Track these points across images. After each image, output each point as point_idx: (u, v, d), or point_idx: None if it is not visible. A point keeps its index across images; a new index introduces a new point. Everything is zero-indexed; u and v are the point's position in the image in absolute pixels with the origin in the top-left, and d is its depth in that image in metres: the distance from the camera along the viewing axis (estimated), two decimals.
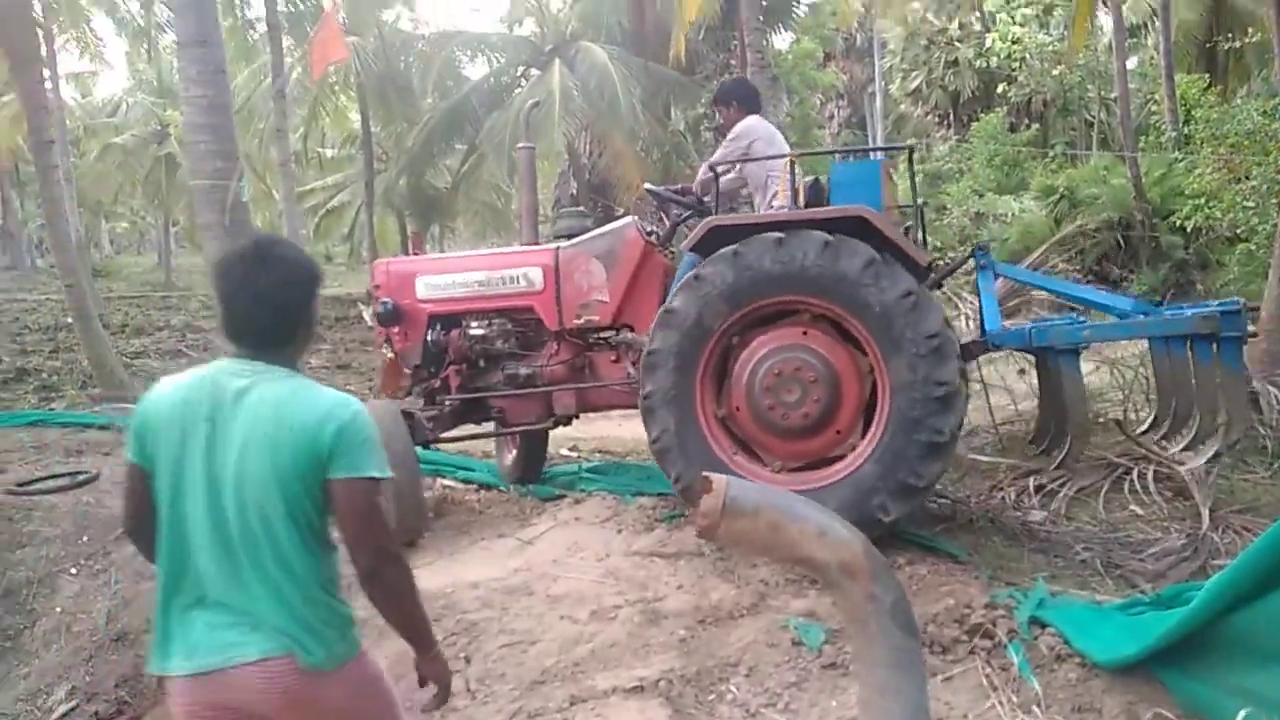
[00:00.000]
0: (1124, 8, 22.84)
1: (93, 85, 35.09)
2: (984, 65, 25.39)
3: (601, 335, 5.94)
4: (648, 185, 6.37)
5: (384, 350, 6.23)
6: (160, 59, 27.90)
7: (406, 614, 2.22)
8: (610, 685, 3.71)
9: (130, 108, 29.53)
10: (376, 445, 2.15)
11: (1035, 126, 24.45)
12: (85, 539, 5.81)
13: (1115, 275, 18.31)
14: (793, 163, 5.23)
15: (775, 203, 5.46)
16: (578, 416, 6.17)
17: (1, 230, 33.59)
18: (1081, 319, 5.53)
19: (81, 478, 6.59)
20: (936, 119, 28.66)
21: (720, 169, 5.48)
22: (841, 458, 4.76)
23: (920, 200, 6.88)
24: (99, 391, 11.05)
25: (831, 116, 35.23)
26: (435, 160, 21.11)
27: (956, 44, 26.46)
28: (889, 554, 4.63)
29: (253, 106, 21.42)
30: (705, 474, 1.92)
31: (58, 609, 5.32)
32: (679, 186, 6.16)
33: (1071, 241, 18.67)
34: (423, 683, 2.31)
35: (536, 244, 6.26)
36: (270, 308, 2.16)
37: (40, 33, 20.27)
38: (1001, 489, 6.21)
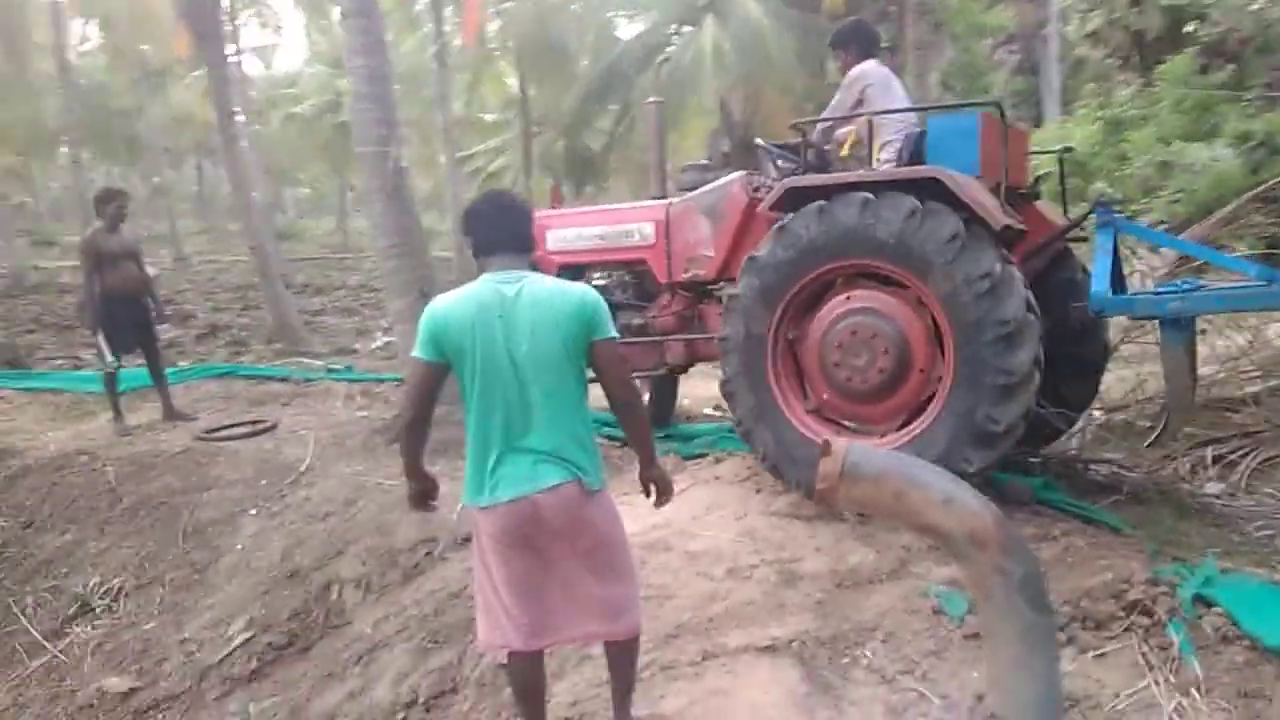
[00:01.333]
0: None
1: (273, 58, 37.12)
2: (1172, 2, 23.34)
3: (710, 288, 6.02)
4: (759, 140, 6.28)
5: None
6: (334, 32, 29.26)
7: (644, 431, 3.17)
8: (743, 643, 3.73)
9: (308, 79, 31.20)
10: (609, 315, 3.02)
11: (1230, 68, 22.33)
12: (264, 483, 6.27)
13: None
14: (870, 122, 5.03)
15: (883, 155, 5.24)
16: (690, 366, 6.33)
17: (197, 196, 36.29)
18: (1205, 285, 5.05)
19: (261, 427, 7.12)
20: (1119, 62, 26.63)
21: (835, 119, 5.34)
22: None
23: (1062, 146, 6.51)
24: (281, 346, 11.85)
25: (1002, 62, 33.28)
26: (590, 122, 21.29)
27: None
28: (1044, 524, 4.46)
29: (417, 74, 22.20)
30: (825, 438, 1.88)
31: (239, 546, 5.79)
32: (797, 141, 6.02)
33: (1271, 195, 17.10)
34: (646, 489, 3.24)
35: (661, 199, 6.32)
36: (514, 228, 3.04)
37: (223, 8, 21.71)
38: (1175, 459, 5.83)
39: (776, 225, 4.84)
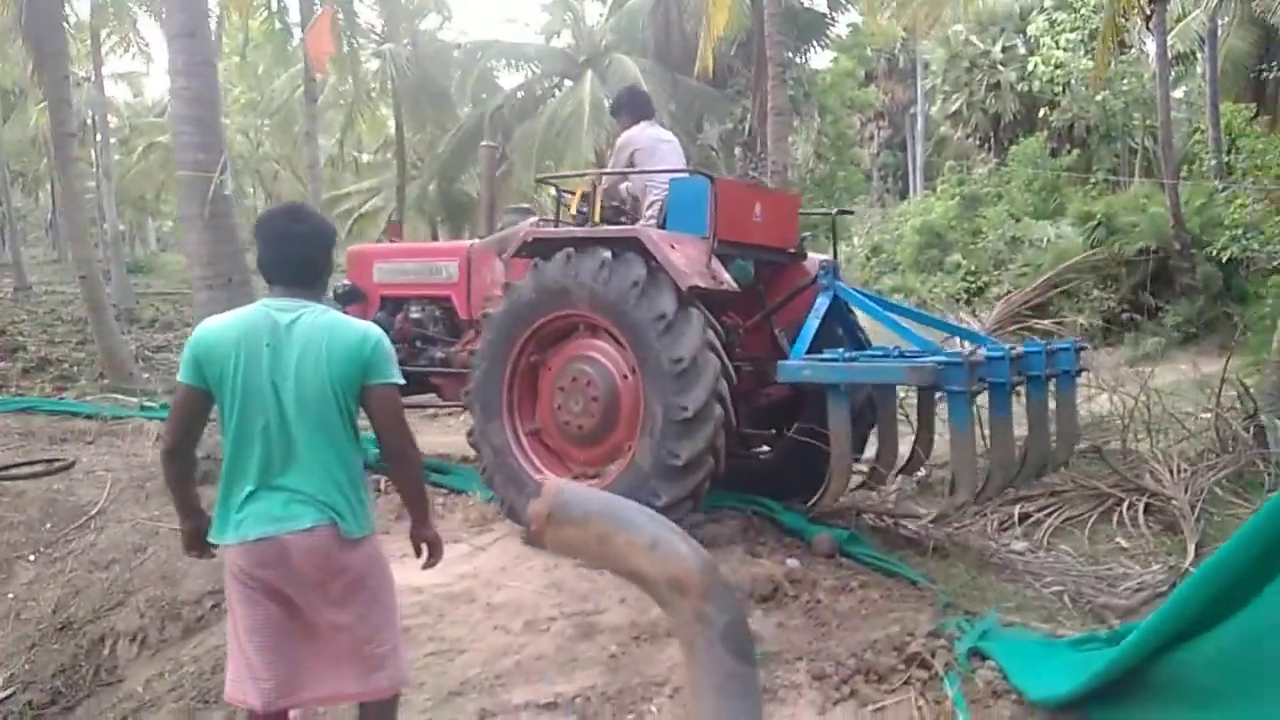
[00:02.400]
0: (1172, 35, 22.34)
1: (143, 86, 35.75)
2: (1026, 89, 24.96)
3: None
4: (539, 175, 6.76)
5: None
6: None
7: (417, 487, 2.95)
8: (525, 700, 3.56)
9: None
10: (395, 359, 2.81)
11: (1077, 152, 23.95)
12: (48, 526, 5.78)
13: (1150, 305, 17.82)
14: (594, 182, 5.58)
15: (648, 213, 5.58)
16: None
17: (49, 223, 34.35)
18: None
19: (57, 465, 6.58)
20: (977, 141, 28.23)
21: (605, 180, 5.77)
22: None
23: (836, 210, 6.91)
24: (109, 383, 11.13)
25: (872, 137, 34.92)
26: (466, 166, 21.19)
27: (999, 67, 26.06)
28: (845, 576, 4.46)
29: (290, 110, 21.67)
30: (540, 477, 1.78)
31: (10, 595, 5.28)
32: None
33: (1105, 269, 18.26)
34: (417, 548, 3.00)
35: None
36: (302, 252, 2.79)
37: (88, 32, 20.79)
38: (984, 515, 5.98)
39: (505, 284, 5.27)
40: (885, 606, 4.14)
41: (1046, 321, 7.82)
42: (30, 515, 5.87)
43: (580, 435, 5.01)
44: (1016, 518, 5.82)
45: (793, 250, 5.73)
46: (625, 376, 4.86)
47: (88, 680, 4.67)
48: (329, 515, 2.69)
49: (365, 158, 28.24)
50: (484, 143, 7.72)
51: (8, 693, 4.70)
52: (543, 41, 23.10)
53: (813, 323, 5.01)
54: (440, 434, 7.75)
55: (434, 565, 3.07)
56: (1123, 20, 14.73)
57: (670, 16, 17.01)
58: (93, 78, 21.90)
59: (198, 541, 2.86)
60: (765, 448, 6.12)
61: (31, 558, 5.53)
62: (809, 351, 4.86)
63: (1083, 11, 23.16)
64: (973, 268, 22.12)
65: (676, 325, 4.57)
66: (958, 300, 20.17)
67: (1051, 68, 23.23)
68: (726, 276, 4.91)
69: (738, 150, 20.15)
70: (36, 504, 5.98)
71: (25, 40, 10.87)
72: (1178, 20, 21.93)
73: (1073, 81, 23.38)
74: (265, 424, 2.65)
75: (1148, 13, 15.62)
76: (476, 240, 6.51)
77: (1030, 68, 24.12)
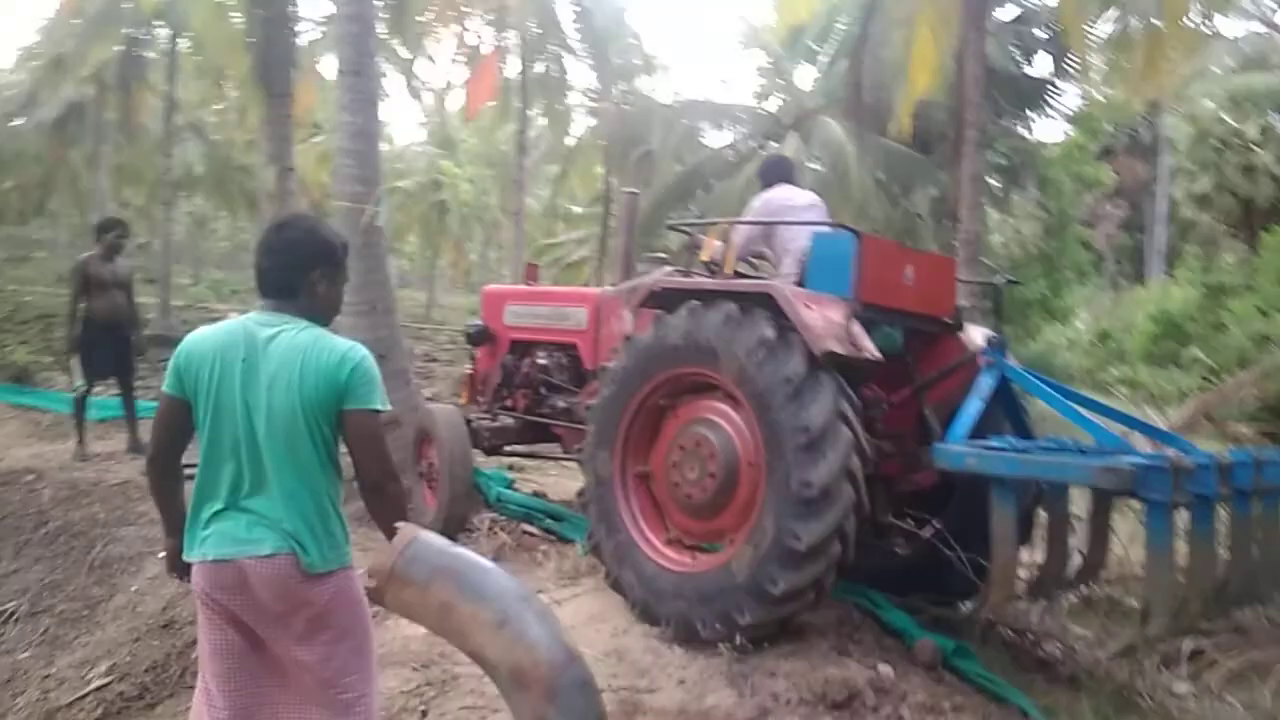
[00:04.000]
0: None
1: (382, 135, 38.84)
2: None
3: None
4: (670, 222, 6.62)
5: (467, 367, 7.06)
6: (445, 115, 30.64)
7: (394, 521, 2.54)
8: None
9: (415, 156, 32.55)
10: (379, 384, 2.62)
11: None
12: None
13: None
14: (728, 231, 5.31)
15: (784, 269, 5.36)
16: None
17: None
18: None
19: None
20: (1226, 227, 25.67)
21: (740, 237, 5.46)
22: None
23: (1005, 280, 6.23)
24: None
25: (1106, 216, 32.58)
26: (663, 222, 21.46)
27: (1254, 147, 23.65)
28: (941, 693, 3.90)
29: (510, 161, 22.81)
30: (399, 523, 1.56)
31: (134, 588, 5.59)
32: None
33: None
34: None
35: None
36: (280, 262, 2.65)
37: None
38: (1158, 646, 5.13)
39: (625, 337, 5.06)
40: None
41: (1245, 428, 6.75)
42: None
43: (689, 504, 4.60)
44: (1184, 653, 4.93)
45: (948, 321, 5.11)
46: (747, 447, 4.39)
47: (174, 680, 4.82)
48: (290, 545, 2.53)
49: (577, 210, 29.35)
50: (626, 189, 7.55)
51: (106, 681, 4.92)
52: (753, 103, 23.19)
53: (975, 404, 4.47)
54: (563, 477, 7.63)
55: None
56: None
57: (863, 79, 16.57)
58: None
59: (176, 560, 2.76)
60: (900, 540, 5.30)
61: (161, 554, 5.83)
62: (971, 437, 4.35)
63: None
64: (1213, 365, 19.97)
65: (805, 391, 4.10)
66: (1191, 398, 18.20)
67: None
68: (869, 344, 4.41)
69: (946, 221, 19.24)
70: None
71: (256, 80, 11.93)
72: None
73: None
74: (236, 443, 2.55)
75: None
76: (609, 287, 6.30)
77: None
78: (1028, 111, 18.59)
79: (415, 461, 6.36)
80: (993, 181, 21.45)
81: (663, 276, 5.36)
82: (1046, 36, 18.04)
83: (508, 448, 6.67)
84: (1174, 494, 3.72)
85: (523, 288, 7.08)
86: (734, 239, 5.38)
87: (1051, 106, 18.13)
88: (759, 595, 4.06)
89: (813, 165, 19.86)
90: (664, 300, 4.83)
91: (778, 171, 5.86)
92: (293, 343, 2.57)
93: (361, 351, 2.64)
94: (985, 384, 4.56)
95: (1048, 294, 20.19)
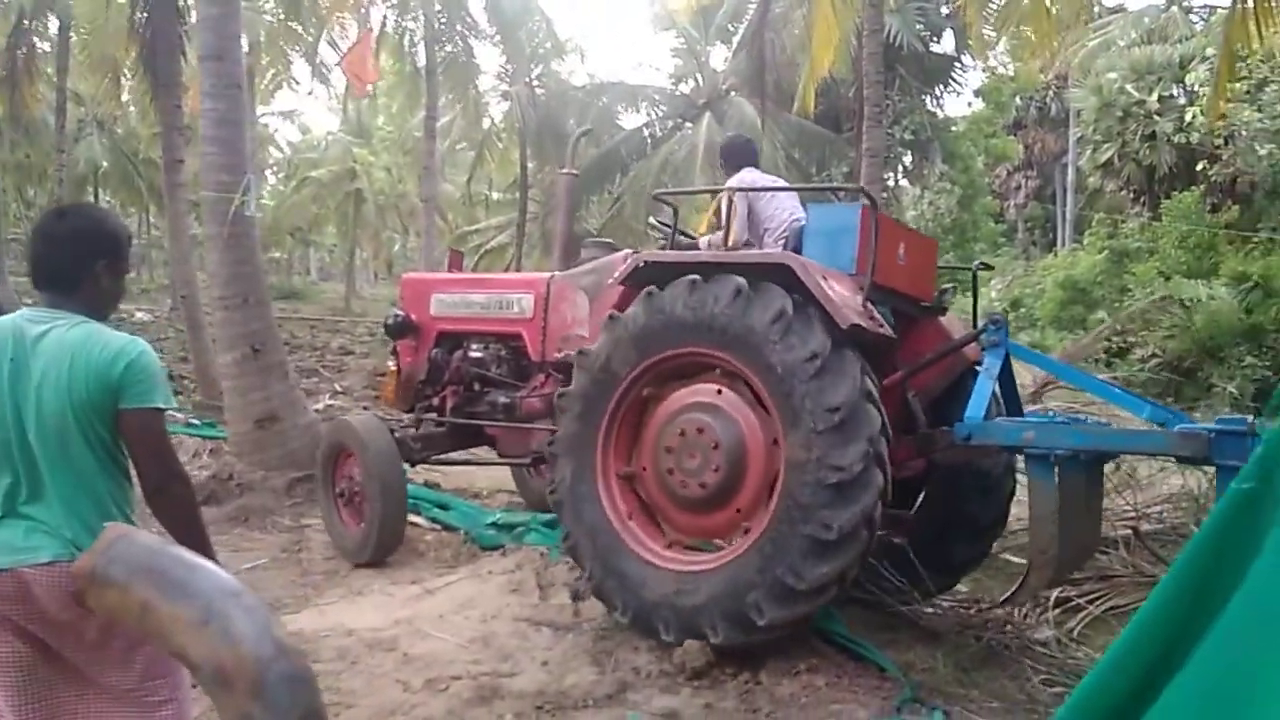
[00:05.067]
0: None
1: (296, 122, 37.91)
2: (1184, 141, 23.20)
3: None
4: (651, 219, 6.04)
5: (389, 363, 6.33)
6: (359, 102, 29.99)
7: (187, 526, 2.45)
8: None
9: (329, 145, 31.90)
10: (161, 380, 2.43)
11: (1238, 209, 22.03)
12: None
13: None
14: (731, 200, 4.81)
15: (768, 242, 5.04)
16: None
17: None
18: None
19: None
20: (1130, 194, 26.44)
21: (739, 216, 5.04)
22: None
23: (978, 263, 6.13)
24: (199, 399, 11.59)
25: (1019, 187, 33.30)
26: (584, 205, 21.37)
27: (1155, 117, 24.33)
28: (800, 655, 3.93)
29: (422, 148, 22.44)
30: (108, 524, 1.51)
31: None
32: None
33: (1258, 336, 16.63)
34: None
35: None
36: (59, 254, 2.48)
37: (245, 66, 22.26)
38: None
39: (608, 315, 4.40)
40: (830, 695, 3.63)
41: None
42: None
43: (688, 499, 4.16)
44: (1051, 601, 5.07)
45: (927, 304, 4.91)
46: (761, 430, 4.02)
47: None
48: (71, 552, 2.34)
49: (496, 195, 29.06)
50: (563, 170, 6.98)
51: None
52: (669, 85, 23.19)
53: (986, 384, 4.21)
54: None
55: None
56: None
57: (772, 57, 16.65)
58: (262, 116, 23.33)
59: None
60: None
61: None
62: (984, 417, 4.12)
63: (1250, 60, 21.37)
64: (1118, 327, 20.62)
65: (830, 369, 3.77)
66: (1098, 361, 18.74)
67: (1212, 119, 21.48)
68: (883, 321, 4.17)
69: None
70: None
71: (144, 73, 11.55)
72: None
73: (1236, 134, 21.57)
74: (8, 447, 2.38)
75: None
76: (557, 272, 5.73)
77: (1189, 119, 22.41)
78: (936, 87, 18.88)
79: (328, 481, 5.81)
80: (906, 156, 21.83)
81: (651, 252, 4.83)
82: (949, 13, 18.32)
83: (436, 456, 6.16)
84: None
85: (453, 275, 6.53)
86: (733, 215, 4.93)
87: (957, 82, 18.48)
88: (780, 593, 3.71)
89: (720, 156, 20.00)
90: (652, 277, 4.31)
91: (745, 155, 5.48)
92: (62, 340, 2.39)
93: (139, 346, 2.45)
94: (992, 364, 4.30)
95: (958, 264, 20.57)
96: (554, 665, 3.92)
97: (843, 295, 3.97)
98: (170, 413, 7.98)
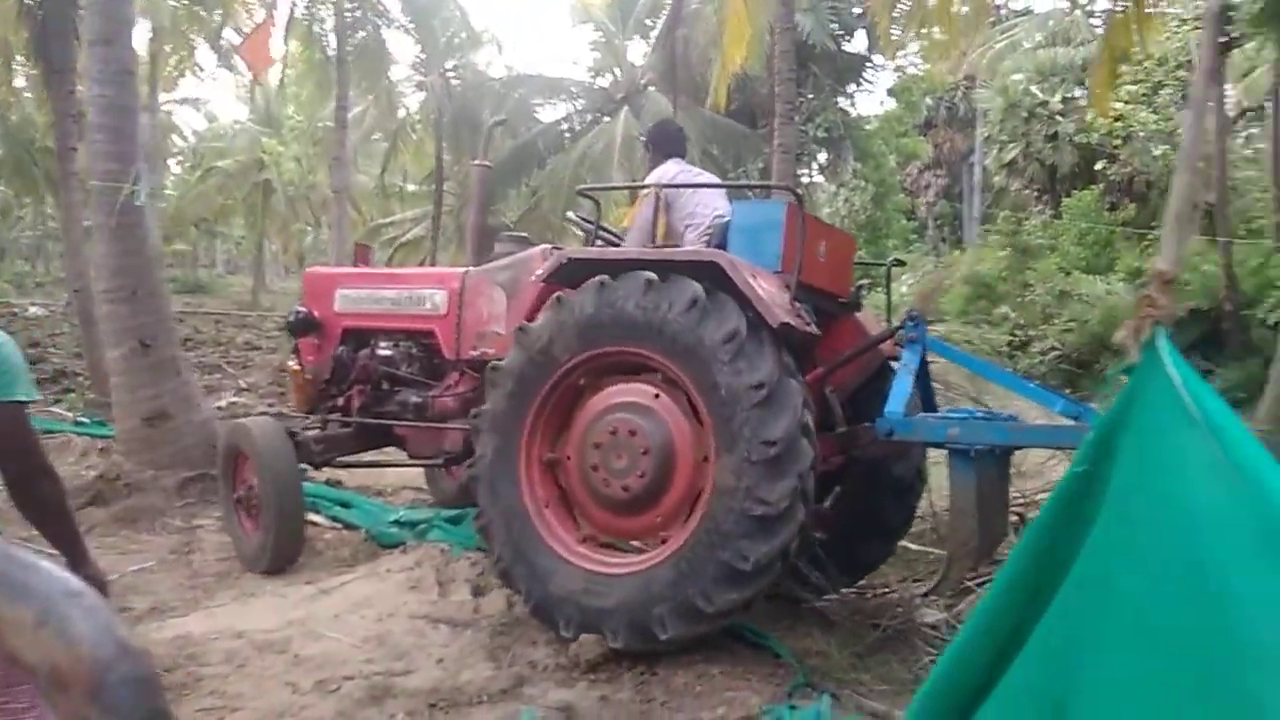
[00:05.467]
0: (1239, 88, 21.37)
1: (202, 110, 36.80)
2: (1085, 141, 24.11)
3: None
4: (569, 214, 5.95)
5: (290, 362, 6.11)
6: (268, 90, 29.18)
7: (56, 523, 2.39)
8: None
9: (236, 134, 30.98)
10: (22, 371, 2.32)
11: (1134, 207, 22.99)
12: None
13: (1201, 367, 16.83)
14: (658, 195, 4.63)
15: (689, 238, 4.86)
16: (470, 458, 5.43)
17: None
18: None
19: None
20: (1034, 193, 27.36)
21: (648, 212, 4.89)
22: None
23: (891, 259, 6.21)
24: (92, 396, 11.16)
25: (929, 185, 34.17)
26: (503, 196, 21.18)
27: (1058, 118, 25.23)
28: (694, 647, 3.95)
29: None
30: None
31: None
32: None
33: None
34: None
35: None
36: None
37: (147, 51, 21.44)
38: (919, 580, 5.42)
39: (555, 296, 4.26)
40: (724, 684, 3.65)
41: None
42: None
43: (612, 499, 4.08)
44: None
45: (844, 300, 4.92)
46: (694, 440, 3.96)
47: None
48: None
49: (411, 187, 28.60)
50: (476, 161, 6.81)
51: None
52: (588, 79, 23.12)
53: (905, 379, 4.25)
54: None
55: None
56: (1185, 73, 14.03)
57: (687, 53, 16.77)
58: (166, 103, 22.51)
59: None
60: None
61: None
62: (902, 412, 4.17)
63: (1145, 64, 22.30)
64: (1020, 321, 21.32)
65: (775, 399, 3.74)
66: (1001, 353, 19.35)
67: (1110, 120, 22.35)
68: (810, 319, 4.22)
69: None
70: None
71: (35, 57, 11.05)
72: (1245, 75, 20.98)
73: (1132, 135, 22.50)
74: None
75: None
76: (472, 267, 5.55)
77: (1090, 119, 23.28)
78: (848, 86, 19.22)
79: (228, 486, 5.64)
80: (821, 154, 22.18)
81: (576, 248, 4.87)
82: (860, 12, 18.66)
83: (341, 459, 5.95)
84: None
85: (359, 270, 6.32)
86: (644, 211, 4.83)
87: (869, 81, 18.85)
88: (687, 612, 3.72)
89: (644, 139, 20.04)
90: (575, 273, 4.27)
91: (673, 143, 5.27)
92: None
93: (1, 336, 2.36)
94: (910, 359, 4.34)
95: (874, 261, 21.01)
96: (450, 662, 3.87)
97: (770, 293, 3.97)
98: (59, 411, 7.68)
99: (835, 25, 19.09)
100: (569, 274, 4.30)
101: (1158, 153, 22.20)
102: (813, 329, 4.21)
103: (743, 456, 3.71)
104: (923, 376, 4.53)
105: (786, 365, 3.87)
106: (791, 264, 4.23)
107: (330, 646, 4.02)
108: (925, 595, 5.19)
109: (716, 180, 5.33)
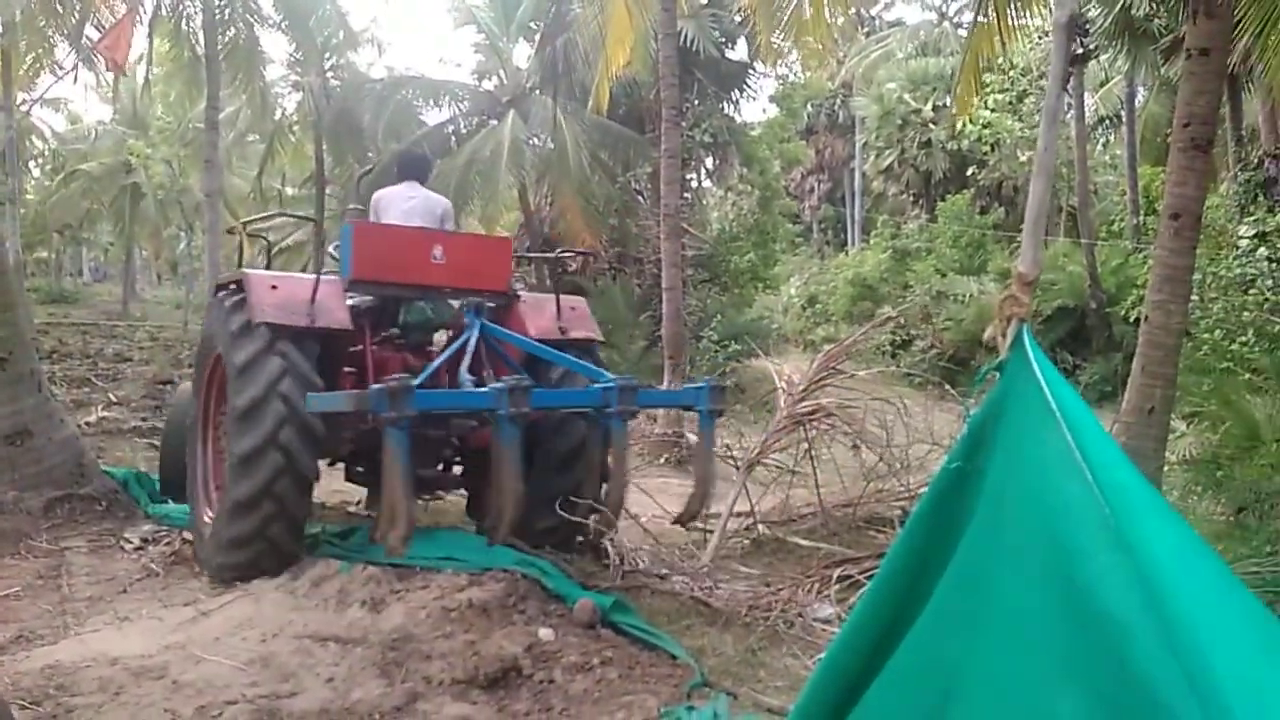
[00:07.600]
0: (1097, 97, 22.69)
1: (64, 111, 34.80)
2: (956, 148, 25.18)
3: None
4: (244, 220, 7.17)
5: None
6: (134, 90, 27.79)
7: None
8: None
9: (100, 135, 29.40)
10: None
11: (1003, 210, 24.15)
12: None
13: (1069, 363, 17.76)
14: (242, 225, 6.45)
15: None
16: None
17: None
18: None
19: None
20: (910, 197, 28.43)
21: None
22: None
23: (558, 250, 7.18)
24: None
25: (812, 190, 35.11)
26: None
27: (930, 125, 26.28)
28: (595, 649, 3.96)
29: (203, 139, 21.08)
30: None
31: None
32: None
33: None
34: None
35: None
36: None
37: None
38: (811, 577, 5.53)
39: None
40: (621, 688, 3.66)
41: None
42: None
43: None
44: (834, 579, 5.34)
45: (504, 292, 5.76)
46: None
47: None
48: None
49: (291, 191, 27.68)
50: (350, 205, 7.78)
51: None
52: (472, 81, 22.80)
53: (439, 360, 5.24)
54: None
55: None
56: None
57: (571, 56, 16.79)
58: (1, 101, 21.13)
59: None
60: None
61: None
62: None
63: (1010, 74, 23.44)
64: (901, 320, 22.12)
65: (250, 372, 4.79)
66: (884, 352, 20.04)
67: (979, 127, 23.41)
68: (342, 316, 5.07)
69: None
70: None
71: None
72: (1102, 84, 22.29)
73: (1000, 141, 23.61)
74: None
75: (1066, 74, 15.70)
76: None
77: (960, 126, 24.31)
78: (732, 92, 19.52)
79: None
80: (709, 159, 22.46)
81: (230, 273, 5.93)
82: (741, 20, 18.98)
83: None
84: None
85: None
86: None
87: (752, 88, 19.19)
88: (221, 542, 4.93)
89: (535, 142, 19.87)
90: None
91: (412, 168, 6.19)
92: None
93: None
94: (455, 344, 5.31)
95: (759, 264, 21.41)
96: (339, 681, 3.76)
97: (287, 299, 4.90)
98: None
99: (717, 33, 19.34)
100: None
101: (1023, 158, 23.32)
102: (337, 325, 5.02)
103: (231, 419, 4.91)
104: (478, 357, 5.32)
105: (273, 347, 4.85)
106: (356, 271, 5.22)
107: (211, 670, 3.85)
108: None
109: (429, 204, 5.95)
